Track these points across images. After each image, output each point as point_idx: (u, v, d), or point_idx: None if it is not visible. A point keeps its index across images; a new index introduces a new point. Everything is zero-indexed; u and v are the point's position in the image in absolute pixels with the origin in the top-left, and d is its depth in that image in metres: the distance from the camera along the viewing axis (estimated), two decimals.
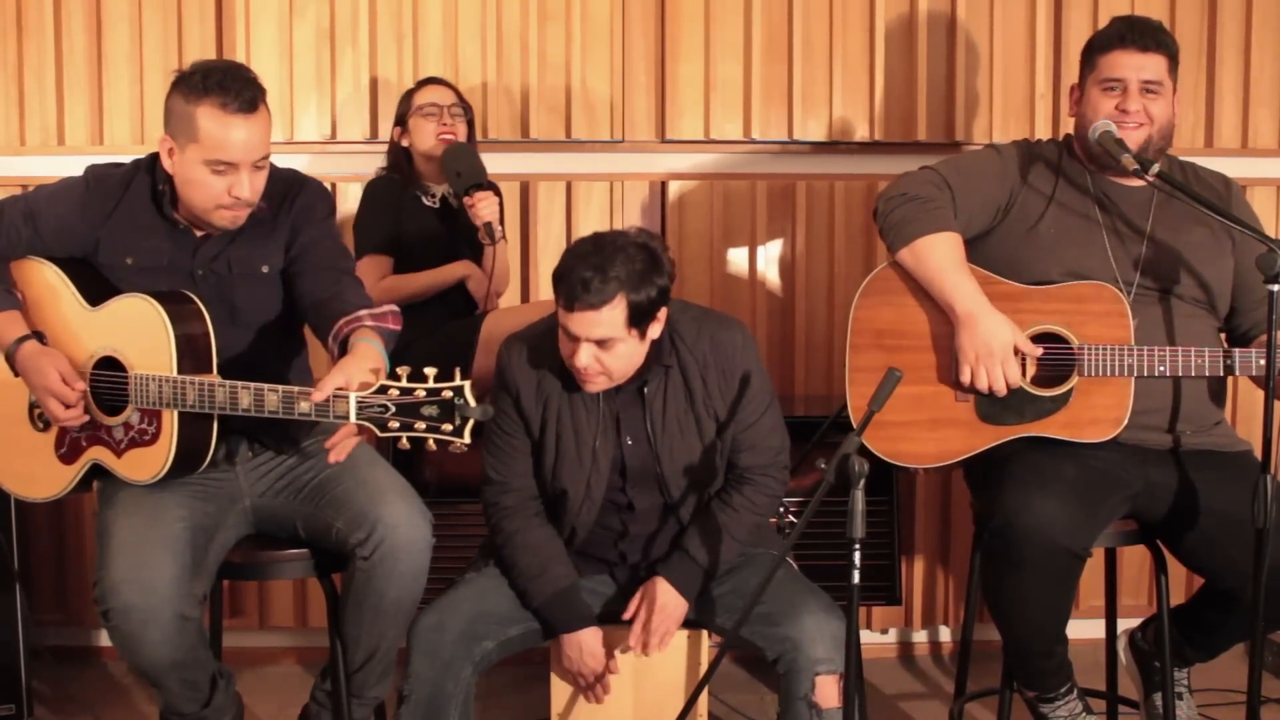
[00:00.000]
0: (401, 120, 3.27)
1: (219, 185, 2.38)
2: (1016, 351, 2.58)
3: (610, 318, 2.27)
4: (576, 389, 2.44)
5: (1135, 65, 2.63)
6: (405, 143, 3.26)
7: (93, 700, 3.37)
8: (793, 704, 2.34)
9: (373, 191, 3.25)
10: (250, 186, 2.40)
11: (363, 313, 2.38)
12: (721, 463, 2.51)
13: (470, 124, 3.29)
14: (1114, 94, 2.65)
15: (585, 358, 2.30)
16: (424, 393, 2.13)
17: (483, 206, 3.08)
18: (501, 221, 3.19)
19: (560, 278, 2.30)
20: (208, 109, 2.35)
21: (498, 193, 3.19)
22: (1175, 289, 2.66)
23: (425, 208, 3.24)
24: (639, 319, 2.31)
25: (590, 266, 2.27)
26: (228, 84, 2.35)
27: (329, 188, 3.43)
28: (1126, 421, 2.57)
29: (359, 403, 2.17)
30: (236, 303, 2.51)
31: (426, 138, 3.21)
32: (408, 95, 3.28)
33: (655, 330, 2.38)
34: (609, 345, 2.31)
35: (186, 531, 2.39)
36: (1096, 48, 2.70)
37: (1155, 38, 2.65)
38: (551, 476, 2.48)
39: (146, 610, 2.28)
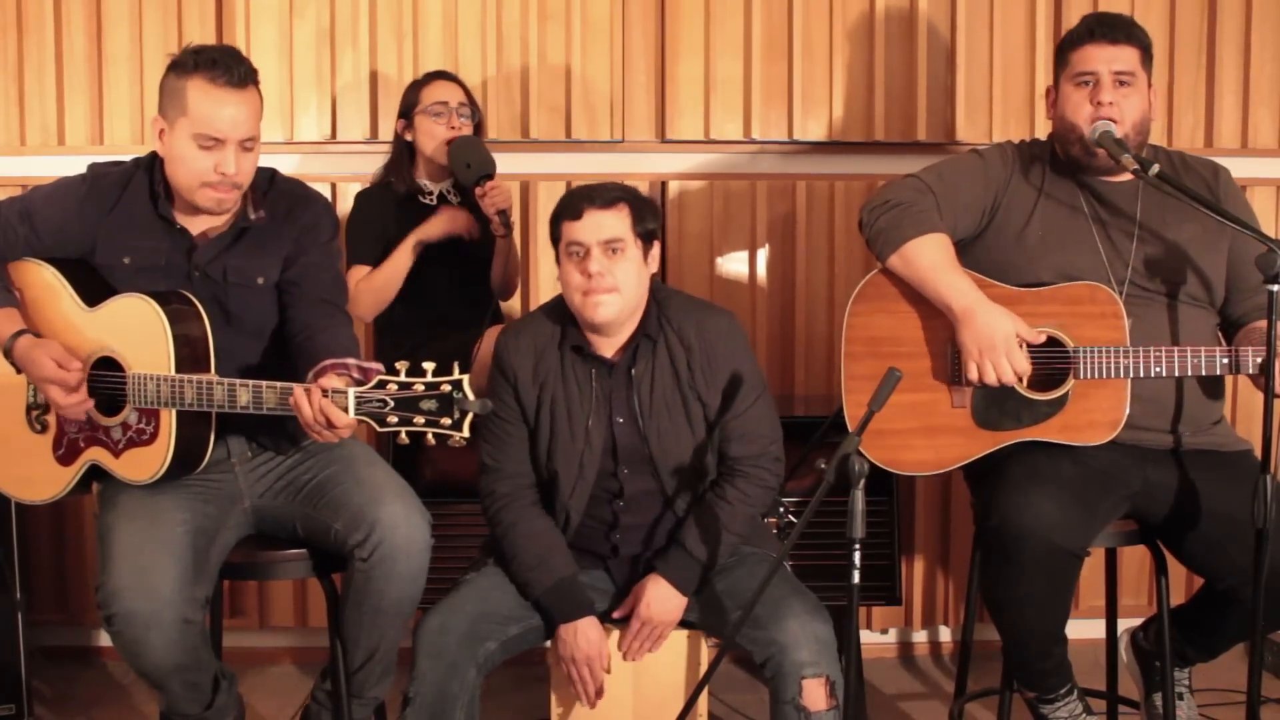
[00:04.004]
0: (406, 114, 3.23)
1: (206, 162, 2.39)
2: (1020, 341, 2.57)
3: (618, 219, 2.43)
4: (571, 369, 2.48)
5: (1106, 57, 2.62)
6: (409, 137, 3.24)
7: (92, 700, 3.37)
8: (781, 708, 2.34)
9: (364, 202, 3.24)
10: (238, 165, 2.40)
11: (351, 361, 2.33)
12: (711, 448, 2.52)
13: (478, 126, 3.26)
14: (1087, 88, 2.63)
15: (597, 263, 2.40)
16: (422, 387, 2.14)
17: (496, 194, 3.07)
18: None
19: (563, 204, 2.47)
20: (198, 83, 2.37)
21: None
22: (1172, 287, 2.65)
23: (423, 206, 3.22)
24: (643, 231, 2.46)
25: (593, 186, 2.48)
26: (219, 60, 2.38)
27: (330, 189, 3.48)
28: (1124, 423, 2.57)
29: (358, 398, 2.18)
30: (231, 309, 2.51)
31: (433, 141, 3.18)
32: (414, 89, 3.24)
33: (653, 263, 2.51)
34: (619, 251, 2.42)
35: (188, 535, 2.39)
36: (1068, 45, 2.69)
37: (1125, 30, 2.64)
38: (546, 458, 2.50)
39: (149, 615, 2.28)
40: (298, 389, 2.26)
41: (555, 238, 2.49)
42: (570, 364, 2.50)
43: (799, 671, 2.31)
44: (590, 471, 2.49)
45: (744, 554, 2.54)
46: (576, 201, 2.44)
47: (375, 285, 3.13)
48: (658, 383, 2.49)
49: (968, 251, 2.71)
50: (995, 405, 2.62)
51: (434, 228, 3.15)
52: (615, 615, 2.50)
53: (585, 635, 2.44)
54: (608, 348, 2.49)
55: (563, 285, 2.47)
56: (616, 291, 2.42)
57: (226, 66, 2.37)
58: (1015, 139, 2.86)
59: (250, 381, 2.31)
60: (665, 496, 2.52)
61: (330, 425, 2.24)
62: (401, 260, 3.12)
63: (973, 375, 2.57)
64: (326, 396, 2.22)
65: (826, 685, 2.32)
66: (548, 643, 2.50)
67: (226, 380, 2.33)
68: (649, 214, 2.48)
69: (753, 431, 2.52)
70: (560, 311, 2.53)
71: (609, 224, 2.42)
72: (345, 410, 2.20)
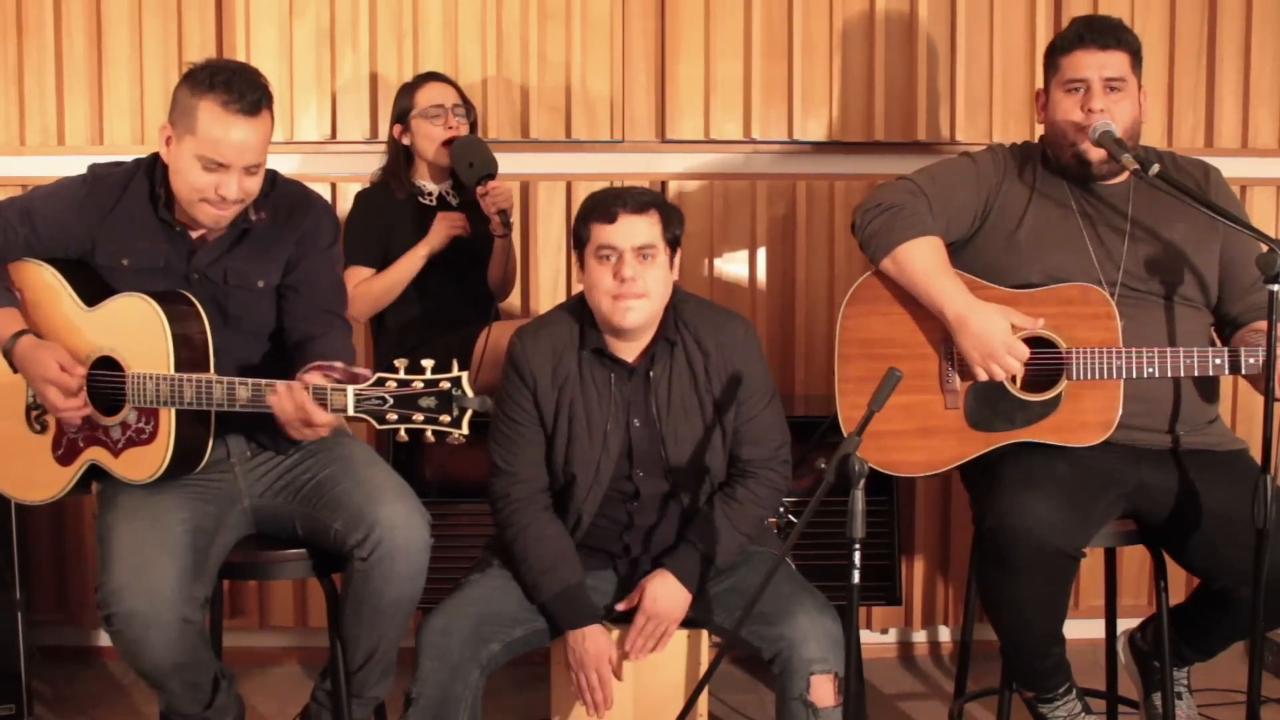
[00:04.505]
0: (402, 118, 3.24)
1: (206, 181, 2.38)
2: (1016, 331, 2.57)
3: (651, 224, 2.43)
4: (590, 373, 2.48)
5: (1097, 64, 2.62)
6: (406, 141, 3.24)
7: (92, 700, 3.37)
8: (788, 703, 2.34)
9: (363, 203, 3.24)
10: (239, 188, 2.40)
11: (339, 364, 2.31)
12: (724, 452, 2.53)
13: (473, 125, 3.27)
14: (1077, 94, 2.63)
15: (630, 268, 2.39)
16: (421, 384, 2.14)
17: (497, 194, 3.07)
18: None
19: (593, 206, 2.46)
20: (209, 105, 2.35)
21: None
22: (1166, 289, 2.65)
23: (423, 207, 3.22)
24: (670, 238, 2.47)
25: (624, 190, 2.48)
26: (234, 83, 2.35)
27: (330, 189, 3.49)
28: (1116, 424, 2.57)
29: (357, 395, 2.18)
30: (230, 310, 2.51)
31: (432, 143, 3.18)
32: (408, 91, 3.24)
33: (675, 270, 2.51)
34: (650, 256, 2.42)
35: (187, 534, 2.39)
36: (1058, 50, 2.68)
37: (1115, 35, 2.63)
38: (564, 461, 2.50)
39: (149, 615, 2.28)
40: (279, 385, 2.26)
41: (582, 238, 2.46)
42: (589, 367, 2.49)
43: (808, 667, 2.32)
44: (605, 475, 2.49)
45: (749, 553, 2.55)
46: (609, 204, 2.43)
47: (375, 292, 3.13)
48: (675, 386, 2.49)
49: (960, 253, 2.71)
50: (988, 406, 2.62)
51: (439, 236, 3.14)
52: (619, 608, 2.50)
53: (593, 643, 2.44)
54: (628, 352, 2.50)
55: (589, 287, 2.46)
56: (646, 297, 2.42)
57: (240, 92, 2.35)
58: (1014, 140, 2.87)
59: (249, 379, 2.31)
60: (678, 498, 2.52)
61: (309, 423, 2.24)
62: (407, 270, 3.13)
63: (981, 378, 2.59)
64: (308, 391, 2.21)
65: (835, 681, 2.32)
66: (552, 641, 2.50)
67: (225, 379, 2.33)
68: (676, 221, 2.49)
69: (764, 435, 2.54)
70: (577, 313, 2.52)
71: (643, 230, 2.41)
72: (345, 409, 2.19)
